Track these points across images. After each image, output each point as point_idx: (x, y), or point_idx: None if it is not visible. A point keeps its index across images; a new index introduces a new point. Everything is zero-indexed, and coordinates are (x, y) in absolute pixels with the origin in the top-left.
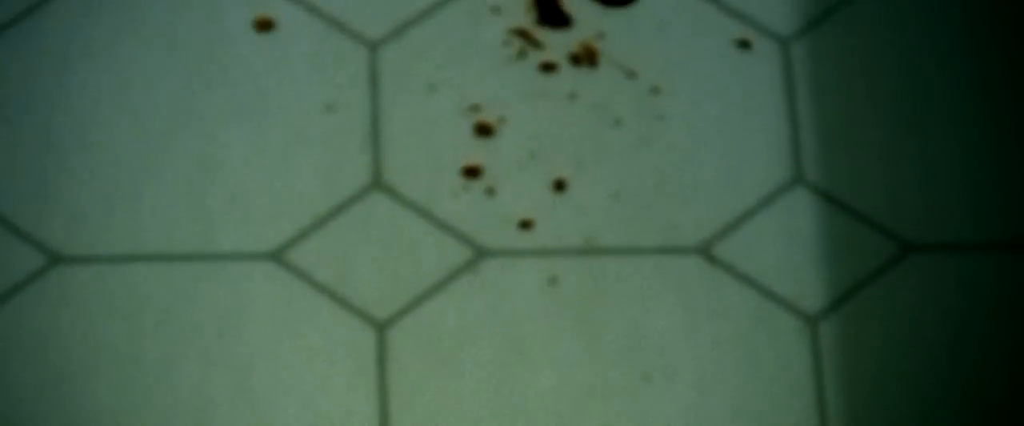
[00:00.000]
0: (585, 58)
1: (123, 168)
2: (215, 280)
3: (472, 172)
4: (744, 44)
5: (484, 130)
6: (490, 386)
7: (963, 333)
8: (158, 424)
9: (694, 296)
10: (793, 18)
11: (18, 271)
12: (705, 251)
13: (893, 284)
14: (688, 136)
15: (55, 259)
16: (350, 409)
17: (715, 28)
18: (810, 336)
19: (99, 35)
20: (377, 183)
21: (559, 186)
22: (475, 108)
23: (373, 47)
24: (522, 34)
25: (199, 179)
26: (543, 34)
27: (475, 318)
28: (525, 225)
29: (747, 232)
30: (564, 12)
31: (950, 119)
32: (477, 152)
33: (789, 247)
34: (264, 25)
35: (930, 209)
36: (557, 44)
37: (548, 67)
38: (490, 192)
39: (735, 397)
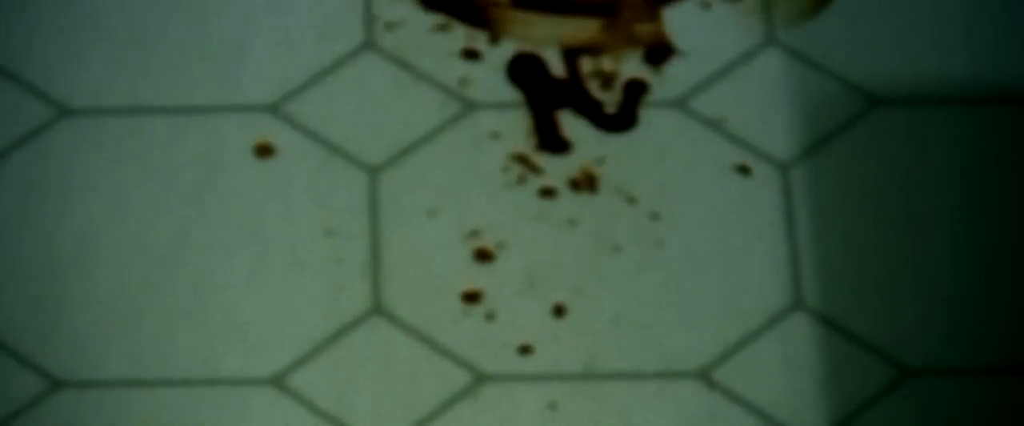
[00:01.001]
0: (585, 184)
1: (123, 294)
2: (215, 405)
3: (472, 297)
4: (743, 169)
5: (484, 255)
6: None
7: None
8: None
9: (694, 421)
10: (792, 144)
11: (19, 396)
12: (705, 376)
13: (892, 409)
14: (688, 261)
15: (56, 384)
16: None
17: (714, 154)
18: None
19: (100, 162)
20: (377, 308)
21: (559, 311)
22: (475, 233)
23: (373, 173)
24: (522, 160)
25: (199, 305)
26: (543, 160)
27: None
28: (525, 350)
29: (747, 357)
30: (564, 138)
31: (950, 244)
32: (477, 277)
33: (789, 372)
34: (264, 151)
35: (930, 334)
36: (557, 170)
37: (548, 192)
38: (490, 317)
39: None
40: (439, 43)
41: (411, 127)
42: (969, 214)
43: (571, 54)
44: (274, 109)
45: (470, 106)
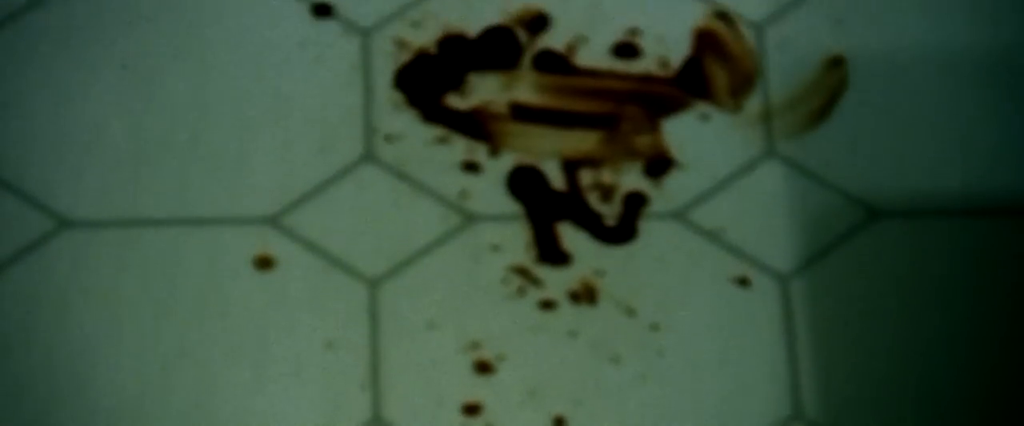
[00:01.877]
0: (584, 295)
1: (123, 405)
2: None
3: (472, 410)
4: (743, 281)
5: (484, 367)
6: None
7: None
8: None
9: None
10: (792, 255)
11: None
12: None
13: None
14: (687, 372)
15: None
16: None
17: (714, 265)
18: None
19: (100, 273)
20: (378, 420)
21: (559, 423)
22: (475, 345)
23: (373, 284)
24: (522, 272)
25: (199, 416)
26: (543, 272)
27: None
28: None
29: None
30: (563, 250)
31: (949, 354)
32: (477, 389)
33: None
34: (264, 263)
35: None
36: (556, 282)
37: (547, 304)
38: None
39: None
40: (439, 155)
41: (411, 239)
42: (969, 326)
43: (571, 166)
44: (274, 221)
45: (470, 218)
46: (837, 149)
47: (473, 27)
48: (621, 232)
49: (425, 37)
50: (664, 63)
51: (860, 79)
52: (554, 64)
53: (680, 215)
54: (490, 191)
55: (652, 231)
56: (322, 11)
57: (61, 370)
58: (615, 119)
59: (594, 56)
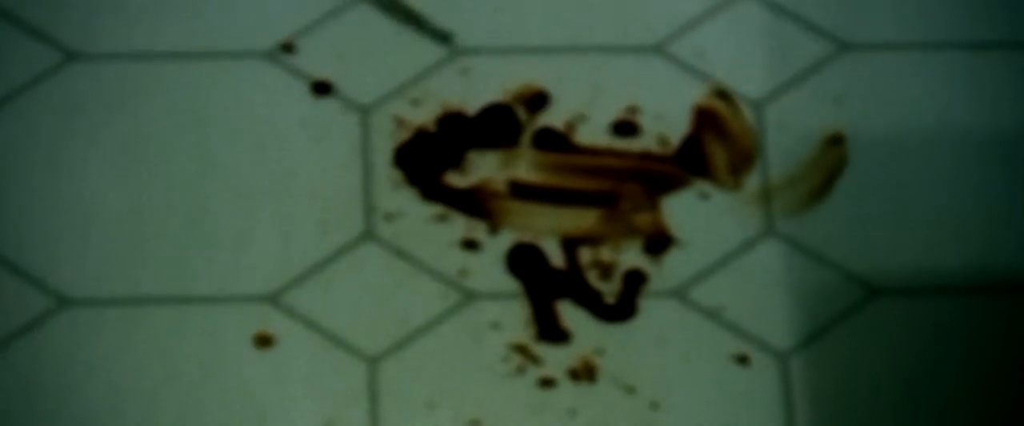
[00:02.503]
0: (584, 374)
1: None
2: None
3: None
4: (742, 359)
5: None
6: None
7: None
8: None
9: None
10: (792, 334)
11: None
12: None
13: None
14: None
15: None
16: None
17: (713, 343)
18: None
19: (100, 352)
20: None
21: None
22: (474, 423)
23: (373, 363)
24: (521, 350)
25: None
26: (542, 350)
27: None
28: None
29: None
30: (563, 328)
31: None
32: None
33: None
34: (264, 341)
35: None
36: (556, 360)
37: (547, 383)
38: None
39: None
40: (439, 233)
41: (411, 317)
42: (968, 404)
43: (570, 244)
44: (274, 299)
45: (470, 296)
46: (836, 227)
47: (472, 105)
48: (621, 310)
49: (424, 115)
50: (664, 141)
51: (859, 157)
52: (554, 142)
53: (680, 293)
54: (490, 269)
55: (652, 309)
56: (322, 89)
57: None
58: (615, 197)
59: (594, 134)
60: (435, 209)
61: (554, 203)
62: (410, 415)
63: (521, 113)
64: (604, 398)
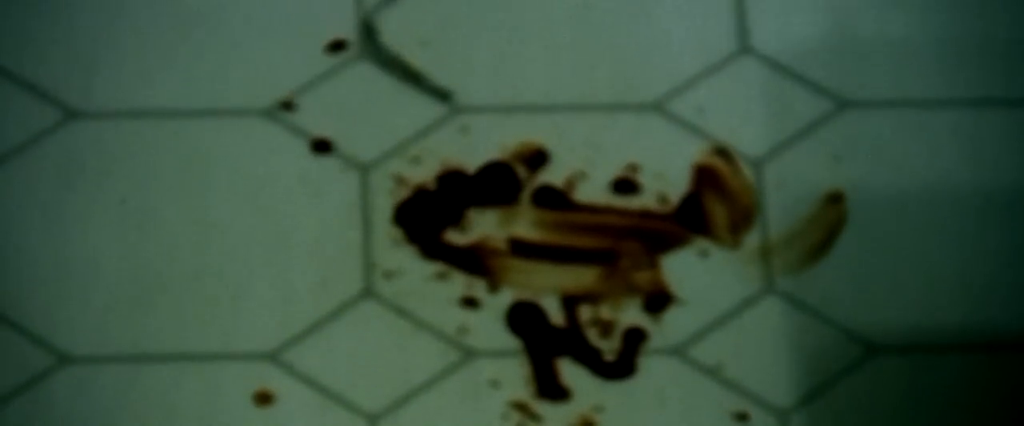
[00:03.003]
0: None
1: None
2: None
3: None
4: (742, 417)
5: None
6: None
7: None
8: None
9: None
10: (791, 391)
11: None
12: None
13: None
14: None
15: None
16: None
17: (713, 401)
18: None
19: (99, 409)
20: None
21: None
22: None
23: (372, 421)
24: (521, 407)
25: None
26: (542, 407)
27: None
28: None
29: None
30: (563, 386)
31: None
32: None
33: None
34: (263, 399)
35: None
36: (556, 417)
37: None
38: None
39: None
40: (438, 291)
41: (410, 375)
42: None
43: (570, 302)
44: (273, 357)
45: (469, 354)
46: (836, 285)
47: (472, 163)
48: (620, 368)
49: (424, 173)
50: (663, 199)
51: (859, 215)
52: (553, 200)
53: (679, 351)
54: (489, 327)
55: (651, 367)
56: (321, 147)
57: None
58: (614, 255)
59: (593, 192)
60: (435, 267)
61: (554, 261)
62: None
63: (521, 171)
64: None
